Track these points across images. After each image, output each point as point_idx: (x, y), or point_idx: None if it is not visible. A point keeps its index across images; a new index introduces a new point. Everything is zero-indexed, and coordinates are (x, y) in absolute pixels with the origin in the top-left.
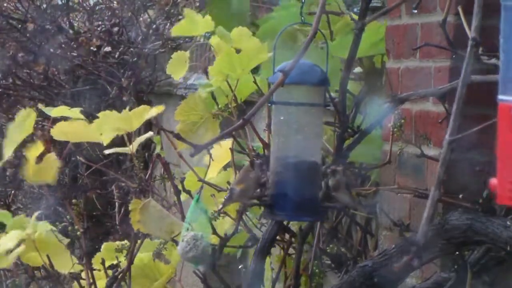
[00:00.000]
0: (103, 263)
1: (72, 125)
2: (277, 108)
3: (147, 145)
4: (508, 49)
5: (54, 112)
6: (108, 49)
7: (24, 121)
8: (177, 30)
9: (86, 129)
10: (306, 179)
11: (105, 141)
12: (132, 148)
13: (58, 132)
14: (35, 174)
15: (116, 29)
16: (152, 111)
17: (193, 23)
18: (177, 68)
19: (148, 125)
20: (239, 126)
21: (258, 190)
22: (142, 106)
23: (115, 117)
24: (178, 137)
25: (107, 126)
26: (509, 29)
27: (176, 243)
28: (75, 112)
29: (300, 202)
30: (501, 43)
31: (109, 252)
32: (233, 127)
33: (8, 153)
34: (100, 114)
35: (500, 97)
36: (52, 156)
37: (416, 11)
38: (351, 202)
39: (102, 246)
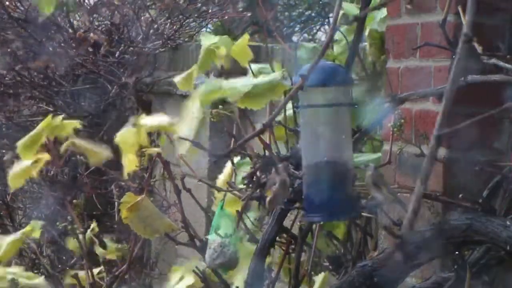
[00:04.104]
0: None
1: (86, 146)
2: (304, 111)
3: None
4: None
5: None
6: (103, 40)
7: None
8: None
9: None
10: (339, 179)
11: (129, 169)
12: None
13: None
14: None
15: (116, 28)
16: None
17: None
18: (186, 82)
19: None
20: (258, 132)
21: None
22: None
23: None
24: (197, 145)
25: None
26: None
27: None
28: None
29: (335, 202)
30: None
31: None
32: (252, 134)
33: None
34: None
35: None
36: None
37: (409, 6)
38: (384, 199)
39: None
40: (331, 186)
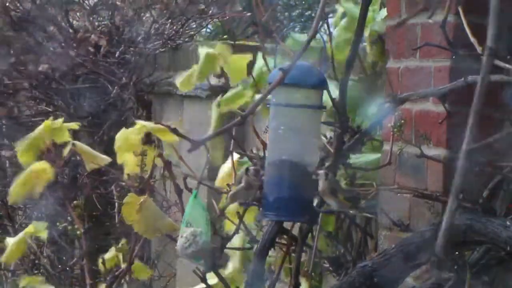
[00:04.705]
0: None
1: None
2: (273, 109)
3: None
4: None
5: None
6: (103, 41)
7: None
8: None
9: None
10: (299, 180)
11: (128, 170)
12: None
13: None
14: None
15: (116, 28)
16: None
17: None
18: (186, 83)
19: None
20: (236, 123)
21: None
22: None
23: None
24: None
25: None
26: None
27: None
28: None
29: (293, 203)
30: None
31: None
32: (230, 124)
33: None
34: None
35: None
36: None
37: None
38: (339, 206)
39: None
40: (289, 186)
